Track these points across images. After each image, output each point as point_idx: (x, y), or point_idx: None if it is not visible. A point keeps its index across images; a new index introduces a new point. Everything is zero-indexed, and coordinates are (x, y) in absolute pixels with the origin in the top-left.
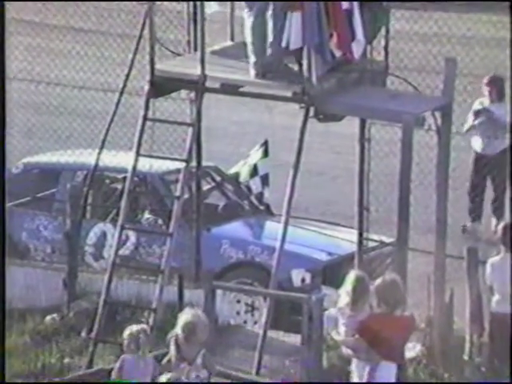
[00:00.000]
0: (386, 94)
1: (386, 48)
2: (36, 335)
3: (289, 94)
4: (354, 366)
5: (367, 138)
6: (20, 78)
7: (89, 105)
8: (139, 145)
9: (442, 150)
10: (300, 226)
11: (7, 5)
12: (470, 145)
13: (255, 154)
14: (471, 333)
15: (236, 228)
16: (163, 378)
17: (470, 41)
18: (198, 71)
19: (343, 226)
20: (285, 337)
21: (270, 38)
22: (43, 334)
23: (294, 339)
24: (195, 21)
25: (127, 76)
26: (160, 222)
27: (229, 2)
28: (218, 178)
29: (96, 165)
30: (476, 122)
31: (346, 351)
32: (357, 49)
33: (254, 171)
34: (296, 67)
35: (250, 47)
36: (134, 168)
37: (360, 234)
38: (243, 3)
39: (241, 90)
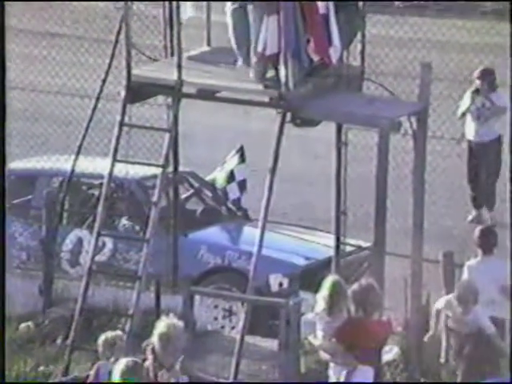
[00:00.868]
0: (362, 99)
1: (362, 53)
2: (11, 343)
3: (266, 99)
4: (331, 370)
5: (344, 142)
6: None
7: (65, 110)
8: (116, 150)
9: (417, 155)
10: (277, 230)
11: None
12: (447, 148)
13: (231, 160)
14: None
15: (213, 233)
16: None
17: (444, 46)
18: (175, 76)
19: (320, 230)
20: (262, 342)
21: (252, 43)
22: (18, 342)
23: (272, 344)
24: (171, 26)
25: (103, 81)
26: (137, 228)
27: (205, 7)
28: (196, 184)
29: (72, 171)
30: (473, 106)
31: (323, 356)
32: (334, 54)
33: (231, 177)
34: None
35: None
36: (111, 174)
37: (337, 239)
38: (221, 7)
39: (217, 95)
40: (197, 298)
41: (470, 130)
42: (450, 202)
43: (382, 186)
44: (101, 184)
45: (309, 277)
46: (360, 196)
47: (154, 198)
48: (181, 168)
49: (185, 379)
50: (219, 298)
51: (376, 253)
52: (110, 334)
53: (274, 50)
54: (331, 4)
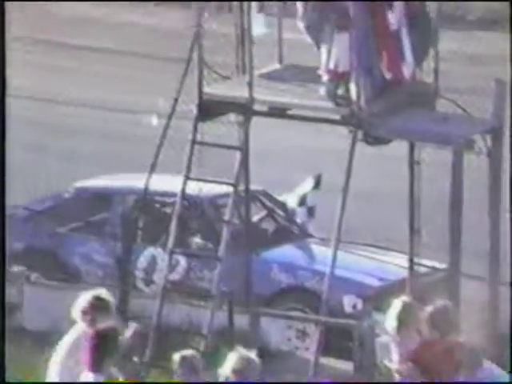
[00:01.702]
0: (435, 117)
1: (435, 70)
2: None
3: (337, 116)
4: None
5: (417, 160)
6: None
7: (134, 128)
8: (189, 168)
9: (493, 174)
10: (350, 250)
11: None
12: None
13: (306, 184)
14: None
15: (285, 252)
16: None
17: None
18: (246, 94)
19: (394, 250)
20: (337, 363)
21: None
22: None
23: (346, 366)
24: (243, 43)
25: (176, 100)
26: (210, 246)
27: (277, 24)
28: (267, 203)
29: (146, 189)
30: None
31: (400, 379)
32: (406, 70)
33: (303, 201)
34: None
35: None
36: (183, 192)
37: (411, 260)
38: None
39: (288, 112)
40: (270, 318)
41: None
42: None
43: (456, 206)
44: (173, 202)
45: (383, 298)
46: (433, 215)
47: (226, 217)
48: (252, 186)
49: None
50: (290, 320)
51: (451, 275)
52: (186, 352)
53: (346, 67)
54: (404, 19)
